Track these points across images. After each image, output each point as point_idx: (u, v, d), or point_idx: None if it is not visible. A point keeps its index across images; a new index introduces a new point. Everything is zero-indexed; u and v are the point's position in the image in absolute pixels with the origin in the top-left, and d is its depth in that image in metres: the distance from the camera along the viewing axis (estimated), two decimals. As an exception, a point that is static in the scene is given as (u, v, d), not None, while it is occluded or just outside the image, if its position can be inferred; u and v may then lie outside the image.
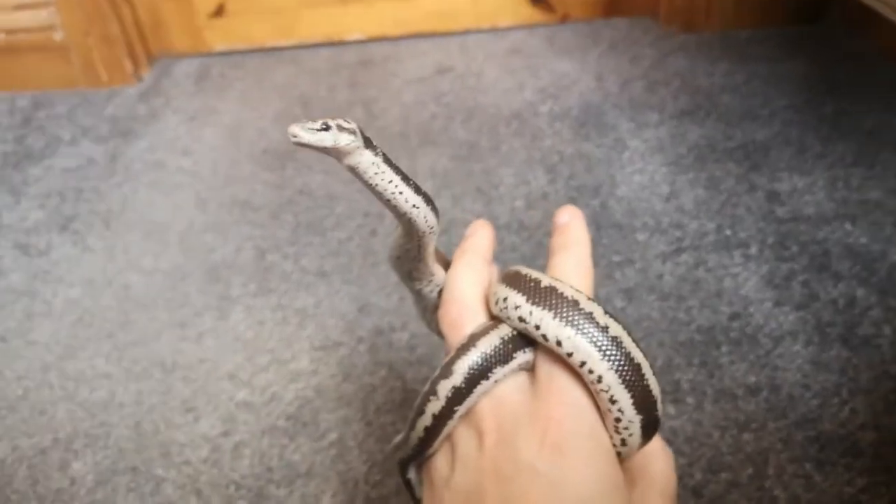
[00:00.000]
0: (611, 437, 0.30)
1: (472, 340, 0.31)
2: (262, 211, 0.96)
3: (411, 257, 0.36)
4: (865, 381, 0.69)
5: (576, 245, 0.32)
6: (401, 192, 0.32)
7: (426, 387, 0.31)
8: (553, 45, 1.29)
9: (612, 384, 0.28)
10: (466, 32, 1.35)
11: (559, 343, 0.29)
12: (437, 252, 0.38)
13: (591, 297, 0.30)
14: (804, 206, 0.89)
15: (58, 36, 1.23)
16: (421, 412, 0.31)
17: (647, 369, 0.29)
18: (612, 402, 0.29)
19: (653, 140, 1.02)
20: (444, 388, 0.30)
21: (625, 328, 0.29)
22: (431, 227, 0.34)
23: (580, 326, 0.29)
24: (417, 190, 0.32)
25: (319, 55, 1.33)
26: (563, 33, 1.32)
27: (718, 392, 0.69)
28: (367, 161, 0.30)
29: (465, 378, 0.30)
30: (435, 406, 0.30)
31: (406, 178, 0.32)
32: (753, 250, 0.83)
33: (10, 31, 1.23)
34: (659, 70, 1.18)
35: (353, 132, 0.29)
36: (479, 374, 0.30)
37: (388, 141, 1.08)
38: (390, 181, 0.31)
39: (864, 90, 1.08)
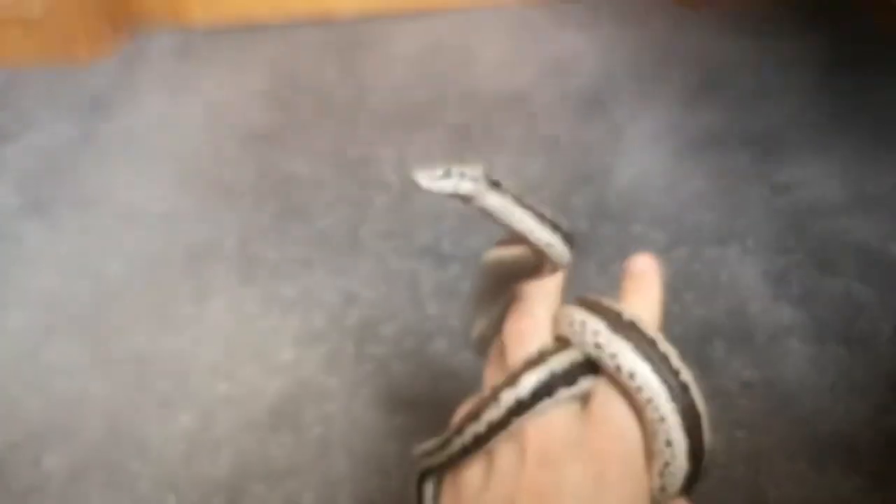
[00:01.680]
0: (651, 481, 0.30)
1: (543, 357, 0.31)
2: (246, 196, 0.94)
3: (523, 274, 0.36)
4: (862, 379, 0.68)
5: (650, 293, 0.34)
6: (532, 231, 0.32)
7: (486, 393, 0.31)
8: (555, 23, 1.25)
9: (673, 427, 0.29)
10: (462, 9, 1.31)
11: (632, 376, 0.29)
12: None
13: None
14: (808, 198, 0.87)
15: (33, 10, 1.18)
16: (475, 418, 0.31)
17: (705, 423, 0.30)
18: (668, 444, 0.29)
19: (653, 127, 1.00)
20: (508, 397, 0.30)
21: (694, 377, 0.30)
22: (564, 263, 0.34)
23: (655, 364, 0.29)
24: (554, 227, 0.33)
25: (308, 32, 1.29)
26: (566, 10, 1.28)
27: (713, 388, 0.68)
28: (493, 204, 0.31)
29: (532, 391, 0.30)
30: (493, 414, 0.30)
31: (540, 216, 0.32)
32: (751, 243, 0.82)
33: (-17, 4, 1.18)
34: (666, 51, 1.15)
35: (474, 179, 0.30)
36: (544, 391, 0.30)
37: (380, 123, 1.05)
38: (520, 220, 0.32)
39: (881, 70, 1.06)
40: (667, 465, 0.29)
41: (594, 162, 0.95)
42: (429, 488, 0.36)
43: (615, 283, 0.86)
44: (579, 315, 0.31)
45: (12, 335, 0.78)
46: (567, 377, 0.31)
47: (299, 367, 0.72)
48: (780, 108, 1.01)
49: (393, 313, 0.76)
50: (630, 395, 0.29)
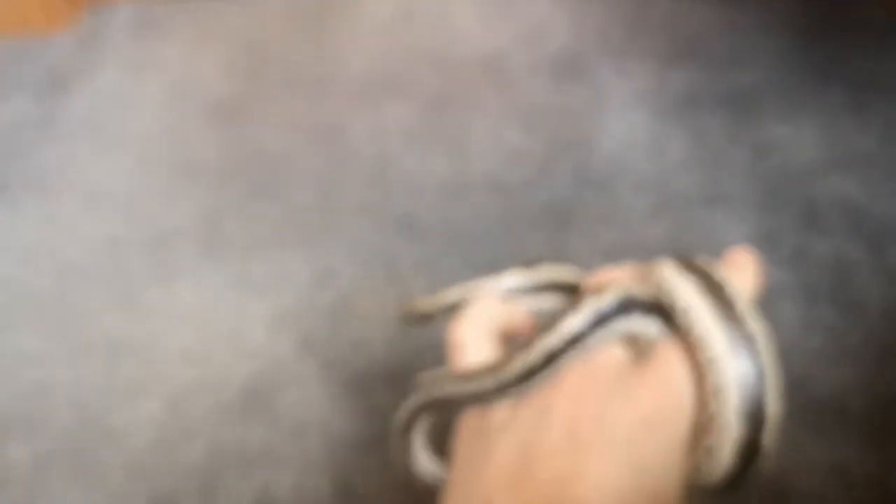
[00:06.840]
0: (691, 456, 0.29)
1: (608, 289, 0.30)
2: (213, 173, 0.89)
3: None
4: (854, 342, 0.66)
5: (745, 269, 0.33)
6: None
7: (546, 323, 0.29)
8: (525, -11, 1.21)
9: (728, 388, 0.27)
10: (433, -25, 1.26)
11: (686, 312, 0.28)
12: None
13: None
14: (791, 158, 0.85)
15: (-16, -19, 1.12)
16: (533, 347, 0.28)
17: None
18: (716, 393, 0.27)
19: (635, 90, 0.96)
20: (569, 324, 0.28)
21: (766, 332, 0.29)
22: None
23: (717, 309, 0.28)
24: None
25: None
26: (536, -25, 1.23)
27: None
28: None
29: (590, 321, 0.28)
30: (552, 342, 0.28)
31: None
32: (739, 205, 0.79)
33: (-71, -23, 1.12)
34: (641, 14, 1.11)
35: None
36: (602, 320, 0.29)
37: (352, 94, 1.01)
38: None
39: (856, 34, 1.03)
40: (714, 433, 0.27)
41: (574, 128, 0.91)
42: (417, 438, 0.35)
43: (602, 251, 0.83)
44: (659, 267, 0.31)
45: (-30, 325, 0.74)
46: (621, 309, 0.29)
47: (273, 349, 0.69)
48: (754, 73, 0.97)
49: (370, 290, 0.73)
50: (692, 353, 0.28)
